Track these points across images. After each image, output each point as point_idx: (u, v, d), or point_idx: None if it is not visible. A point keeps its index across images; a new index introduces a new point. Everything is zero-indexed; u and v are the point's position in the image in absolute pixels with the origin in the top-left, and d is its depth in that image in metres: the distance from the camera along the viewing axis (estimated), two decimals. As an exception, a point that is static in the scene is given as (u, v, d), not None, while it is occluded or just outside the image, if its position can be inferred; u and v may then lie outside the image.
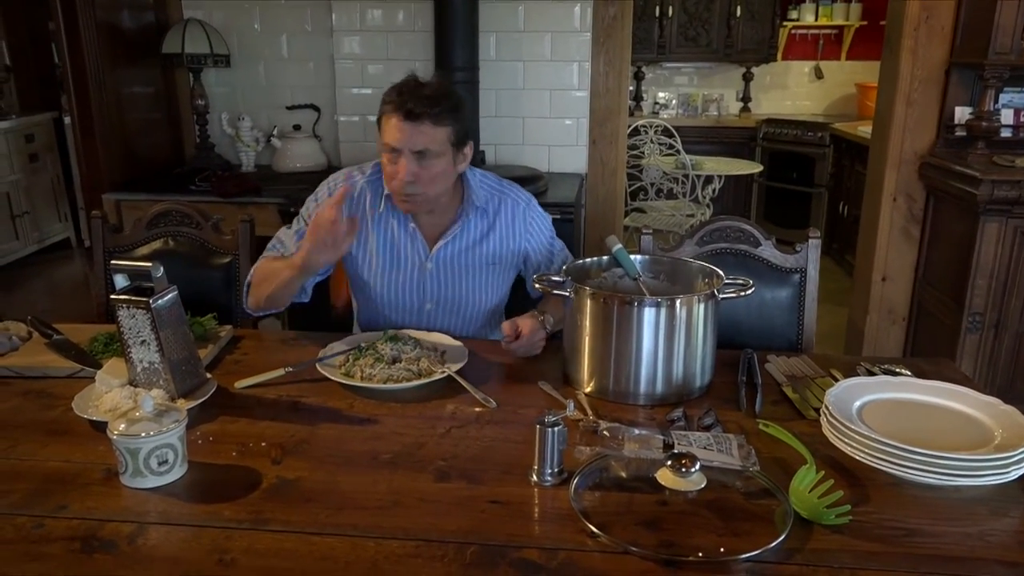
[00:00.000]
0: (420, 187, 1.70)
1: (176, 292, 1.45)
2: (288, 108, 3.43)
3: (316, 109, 3.45)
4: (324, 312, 3.06)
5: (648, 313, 1.45)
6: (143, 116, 3.37)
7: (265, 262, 1.81)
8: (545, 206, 2.94)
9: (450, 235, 1.84)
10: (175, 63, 3.24)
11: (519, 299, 1.99)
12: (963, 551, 1.06)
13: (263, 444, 1.33)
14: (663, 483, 1.14)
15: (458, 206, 1.85)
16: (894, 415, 1.34)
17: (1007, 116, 2.98)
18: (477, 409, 1.46)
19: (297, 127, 3.41)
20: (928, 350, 3.11)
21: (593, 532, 1.07)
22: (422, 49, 3.25)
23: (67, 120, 5.49)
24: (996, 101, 2.88)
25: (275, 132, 3.40)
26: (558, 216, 2.82)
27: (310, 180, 3.16)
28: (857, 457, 1.24)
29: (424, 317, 1.89)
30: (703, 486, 1.13)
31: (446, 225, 1.85)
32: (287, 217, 2.88)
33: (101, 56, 3.04)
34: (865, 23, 6.13)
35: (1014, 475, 1.18)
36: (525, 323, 1.66)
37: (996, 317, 2.79)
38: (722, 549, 1.05)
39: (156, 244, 2.08)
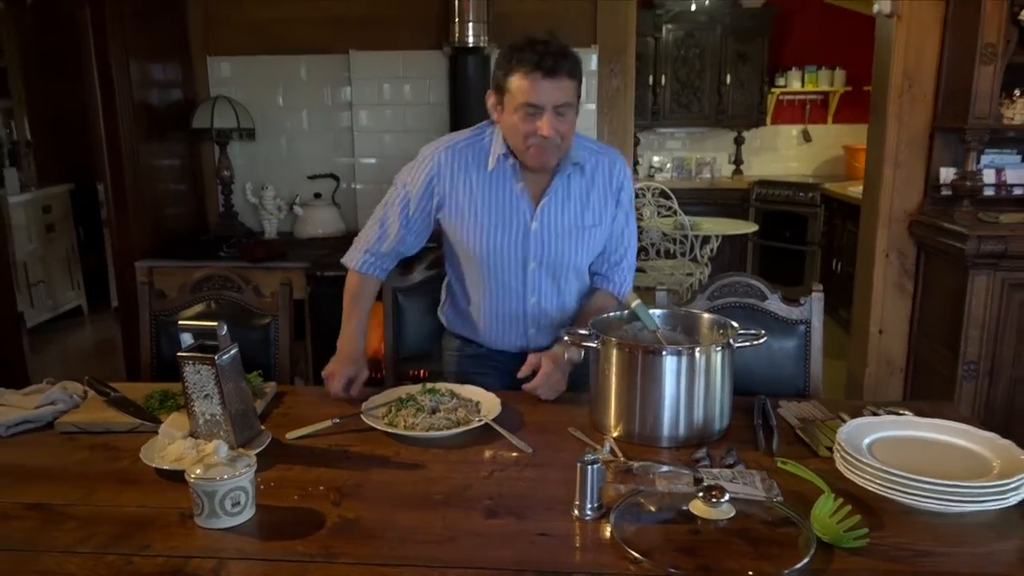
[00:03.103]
0: (560, 140, 1.77)
1: (237, 349, 1.58)
2: (309, 177, 3.61)
3: (335, 178, 3.62)
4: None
5: (670, 361, 1.58)
6: (170, 187, 3.54)
7: (348, 297, 2.02)
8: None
9: (551, 192, 1.88)
10: (203, 137, 3.43)
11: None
12: (970, 569, 1.17)
13: (321, 488, 1.44)
14: (695, 513, 1.26)
15: (560, 167, 1.88)
16: (901, 450, 1.46)
17: (989, 175, 3.18)
18: (515, 454, 1.58)
19: (317, 195, 3.59)
20: (926, 399, 3.22)
21: (636, 558, 1.18)
22: (437, 120, 3.46)
23: (99, 190, 5.61)
24: (978, 162, 3.08)
25: (297, 200, 3.58)
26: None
27: (330, 245, 3.34)
28: (870, 488, 1.36)
29: (528, 276, 1.93)
30: (732, 515, 1.25)
31: (546, 182, 1.89)
32: (313, 280, 3.03)
33: (135, 133, 3.22)
34: (849, 88, 6.42)
35: (1013, 500, 1.30)
36: (546, 363, 1.80)
37: (989, 365, 2.92)
38: (751, 573, 1.15)
39: (199, 307, 2.21)
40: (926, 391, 3.27)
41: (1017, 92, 3.01)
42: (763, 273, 6.29)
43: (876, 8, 3.29)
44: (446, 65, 3.40)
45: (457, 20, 3.13)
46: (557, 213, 1.90)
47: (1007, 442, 1.43)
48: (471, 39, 3.16)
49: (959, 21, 3.01)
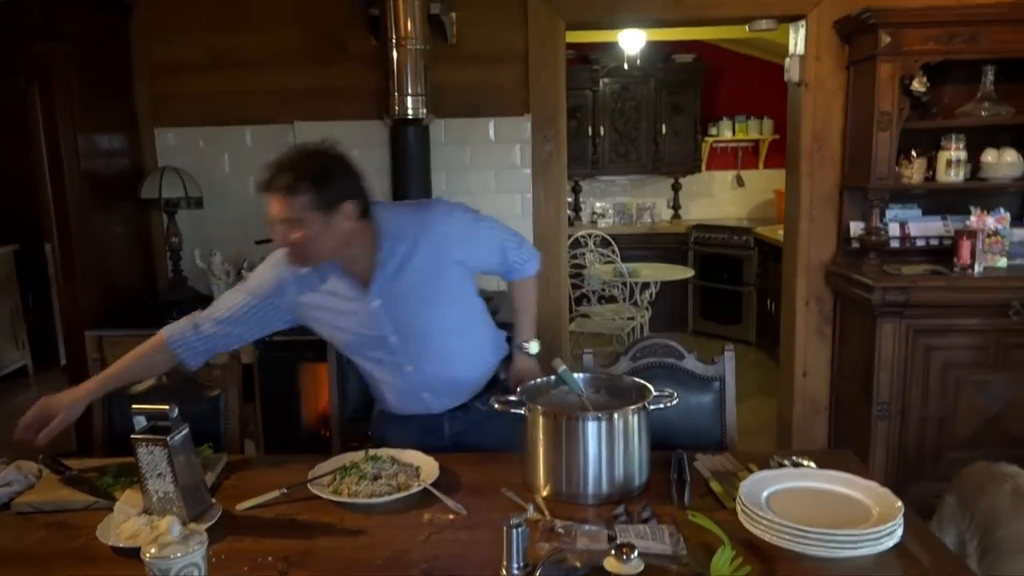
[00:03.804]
0: (297, 249, 1.82)
1: (187, 429, 1.69)
2: (257, 242, 3.70)
3: (282, 242, 3.73)
4: (298, 435, 3.28)
5: (591, 426, 1.74)
6: (118, 254, 3.61)
7: (132, 351, 2.02)
8: (499, 325, 3.24)
9: (379, 269, 1.92)
10: (151, 206, 3.52)
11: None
12: (847, 609, 1.34)
13: (269, 558, 1.55)
14: (610, 569, 1.39)
15: (379, 245, 1.92)
16: (795, 500, 1.63)
17: (895, 229, 3.44)
18: (451, 516, 1.71)
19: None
20: (847, 437, 3.44)
21: (555, 614, 1.32)
22: (379, 187, 3.59)
23: (47, 249, 5.59)
24: (883, 216, 3.34)
25: (245, 265, 3.67)
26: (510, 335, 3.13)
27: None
28: (765, 538, 1.52)
29: (394, 350, 2.00)
30: (641, 570, 1.39)
31: (372, 264, 1.93)
32: (261, 344, 3.13)
33: (83, 202, 3.30)
34: (777, 136, 6.77)
35: (888, 544, 1.47)
36: (523, 371, 2.04)
37: (900, 405, 3.15)
38: (659, 621, 1.30)
39: (150, 381, 2.30)
40: (847, 430, 3.48)
41: (914, 153, 3.28)
42: (704, 313, 6.59)
43: (786, 76, 3.57)
44: (387, 135, 3.56)
45: (396, 93, 3.30)
46: (393, 284, 1.94)
47: (884, 490, 1.61)
48: (410, 111, 3.33)
49: (859, 90, 3.28)
